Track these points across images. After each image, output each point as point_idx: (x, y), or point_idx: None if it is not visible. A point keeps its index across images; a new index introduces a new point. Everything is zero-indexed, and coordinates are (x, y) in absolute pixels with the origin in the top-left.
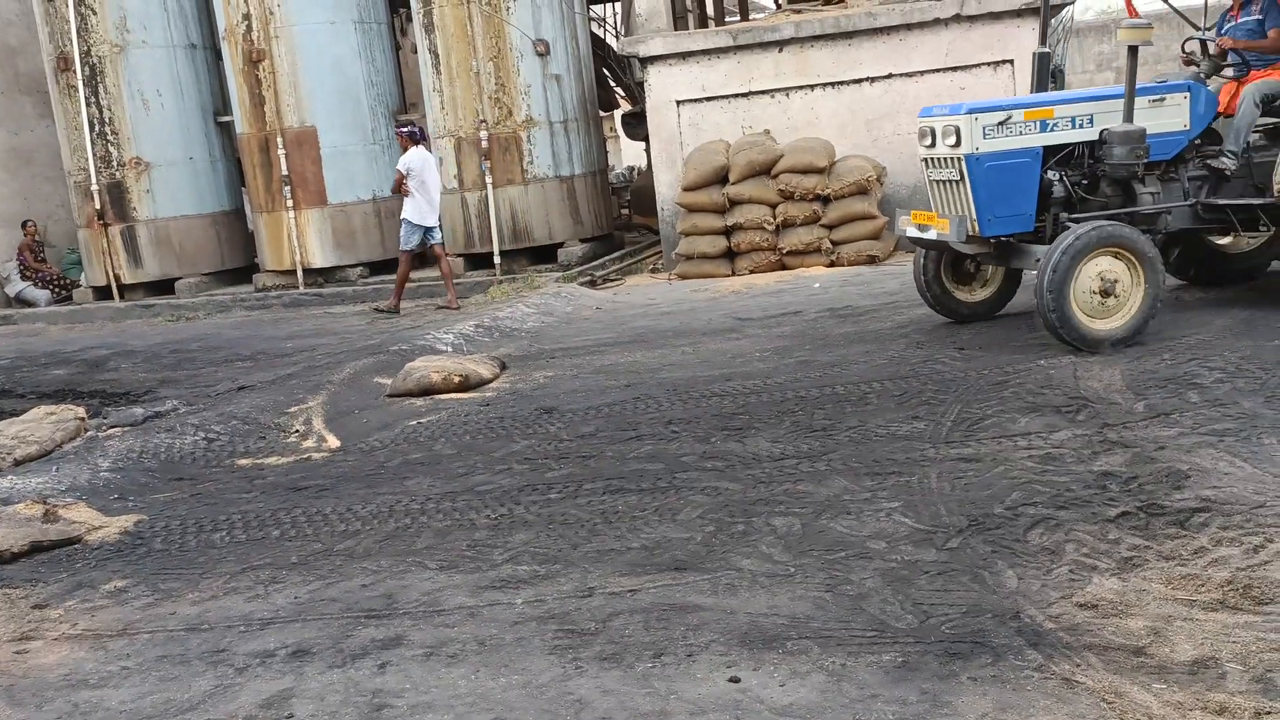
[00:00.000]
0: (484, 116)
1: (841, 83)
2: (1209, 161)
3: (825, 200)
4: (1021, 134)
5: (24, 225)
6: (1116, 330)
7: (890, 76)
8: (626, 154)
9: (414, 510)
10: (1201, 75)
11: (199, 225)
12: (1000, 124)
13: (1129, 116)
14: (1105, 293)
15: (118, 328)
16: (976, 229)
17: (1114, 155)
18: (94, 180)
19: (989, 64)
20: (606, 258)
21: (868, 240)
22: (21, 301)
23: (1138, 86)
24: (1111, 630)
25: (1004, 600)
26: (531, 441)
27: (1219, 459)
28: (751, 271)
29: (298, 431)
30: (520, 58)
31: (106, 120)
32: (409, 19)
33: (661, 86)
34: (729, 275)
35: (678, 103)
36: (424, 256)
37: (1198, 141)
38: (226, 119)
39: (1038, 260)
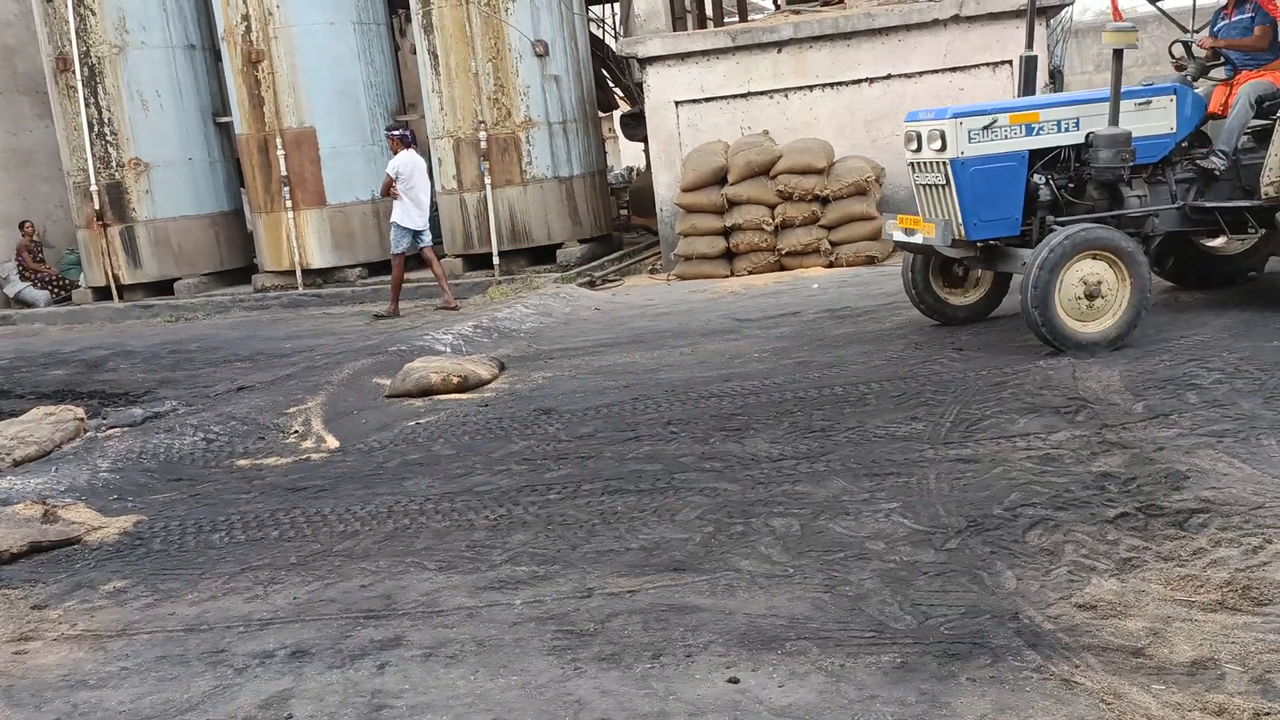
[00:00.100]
0: (483, 117)
1: (840, 83)
2: (1199, 162)
3: (824, 201)
4: (1007, 138)
5: (21, 226)
6: (1103, 333)
7: (889, 77)
8: (625, 155)
9: (413, 511)
10: (1189, 78)
11: (198, 226)
12: (985, 128)
13: (1114, 120)
14: (1090, 296)
15: (117, 328)
16: (962, 233)
17: (1100, 158)
18: (93, 181)
19: (988, 65)
20: (605, 258)
21: (866, 241)
22: (20, 302)
23: (1124, 89)
24: (1110, 631)
25: (1003, 601)
26: (530, 442)
27: (1218, 460)
28: (750, 272)
29: (296, 432)
30: (519, 58)
31: (105, 121)
32: (408, 20)
33: (660, 87)
34: (728, 276)
35: (676, 103)
36: (419, 258)
37: (1185, 144)
38: (225, 120)
39: (1024, 264)
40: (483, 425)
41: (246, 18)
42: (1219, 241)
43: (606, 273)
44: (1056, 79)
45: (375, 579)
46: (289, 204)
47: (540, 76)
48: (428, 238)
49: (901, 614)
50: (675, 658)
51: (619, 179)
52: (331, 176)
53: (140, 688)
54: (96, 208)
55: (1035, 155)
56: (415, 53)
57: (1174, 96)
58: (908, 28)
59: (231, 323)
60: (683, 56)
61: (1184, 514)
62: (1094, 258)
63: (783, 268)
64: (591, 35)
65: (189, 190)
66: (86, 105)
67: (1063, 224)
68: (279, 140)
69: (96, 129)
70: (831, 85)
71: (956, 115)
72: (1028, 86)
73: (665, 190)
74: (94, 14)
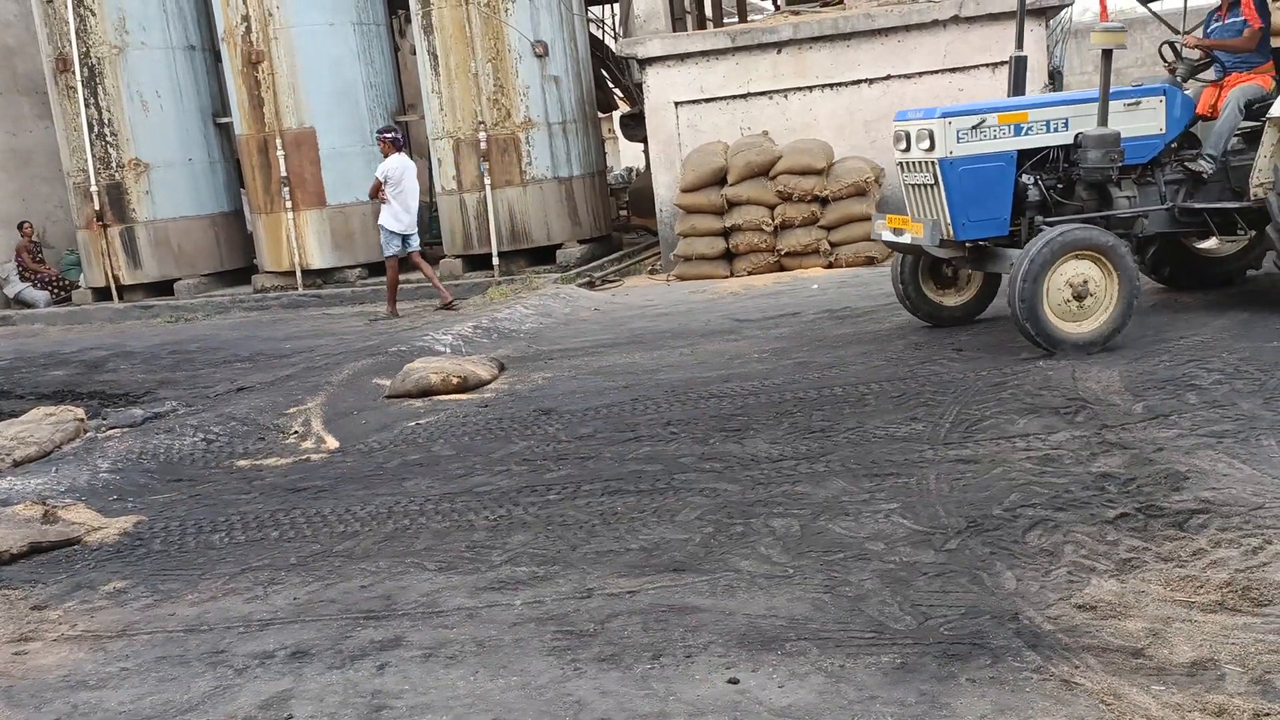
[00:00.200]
0: (482, 118)
1: (840, 84)
2: (1187, 164)
3: (823, 201)
4: (995, 138)
5: (20, 226)
6: (1090, 333)
7: (889, 78)
8: (625, 155)
9: (413, 511)
10: (1179, 79)
11: (198, 226)
12: (974, 128)
13: (1103, 120)
14: (1079, 296)
15: (116, 329)
16: (951, 233)
17: (1088, 159)
18: (93, 181)
19: (987, 65)
20: (605, 259)
21: (866, 241)
22: (20, 302)
23: (1113, 90)
24: (1110, 632)
25: (1002, 602)
26: (530, 443)
27: (1218, 460)
28: (750, 273)
29: (296, 433)
30: (519, 59)
31: (105, 121)
32: (408, 20)
33: (660, 88)
34: (727, 276)
35: (676, 104)
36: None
37: (1174, 145)
38: (225, 120)
39: (1012, 264)
40: (482, 426)
41: (246, 18)
42: (1210, 243)
43: (606, 273)
44: (1056, 79)
45: (375, 579)
46: (289, 204)
47: (540, 77)
48: (415, 242)
49: (901, 614)
50: (675, 658)
51: (619, 179)
52: (331, 177)
53: (140, 688)
54: (96, 208)
55: (1024, 155)
56: (415, 53)
57: (1163, 98)
58: (907, 28)
59: (231, 323)
60: (682, 57)
61: (1184, 515)
62: (1082, 258)
63: (782, 268)
64: (591, 36)
65: (189, 191)
66: (86, 106)
67: (1051, 224)
68: (279, 141)
69: (96, 129)
70: (831, 86)
71: (945, 115)
72: (1017, 87)
73: (665, 191)
74: (94, 14)
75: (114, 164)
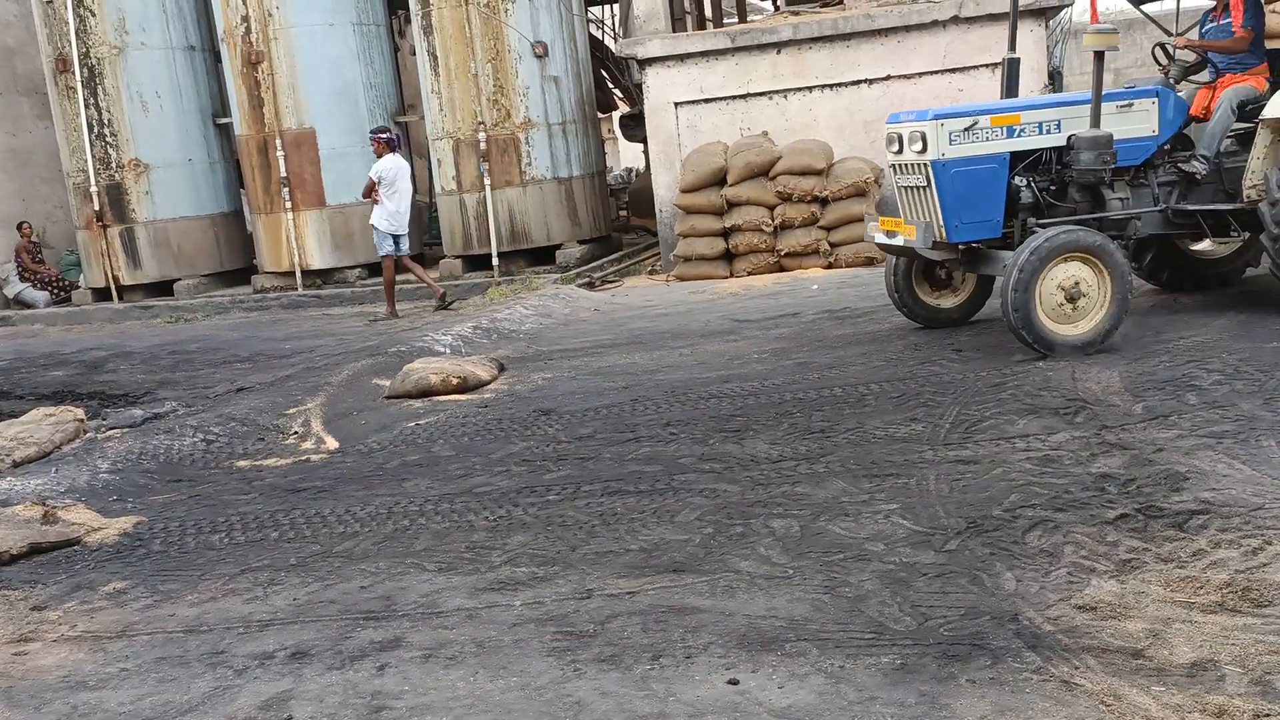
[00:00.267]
0: (482, 118)
1: (839, 84)
2: (1180, 165)
3: (823, 202)
4: (988, 140)
5: (19, 227)
6: (1083, 335)
7: (888, 78)
8: (625, 155)
9: (412, 512)
10: (1171, 80)
11: (198, 227)
12: (966, 130)
13: (1096, 122)
14: (1071, 298)
15: (116, 329)
16: (943, 235)
17: (1081, 160)
18: (93, 182)
19: (987, 66)
20: (605, 259)
21: (866, 242)
22: (20, 303)
23: (1106, 92)
24: (1110, 632)
25: (1002, 602)
26: (530, 443)
27: (1217, 461)
28: (749, 273)
29: (296, 433)
30: (519, 59)
31: (105, 122)
32: (407, 21)
33: (660, 88)
34: (727, 277)
35: (676, 104)
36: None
37: (1167, 147)
38: (225, 121)
39: (1005, 267)
40: (482, 426)
41: (246, 19)
42: (1204, 245)
43: (606, 274)
44: (1056, 80)
45: (375, 580)
46: (288, 205)
47: (540, 77)
48: (405, 244)
49: (901, 615)
50: (675, 659)
51: (618, 180)
52: (331, 177)
53: (140, 689)
54: (96, 209)
55: (1017, 157)
56: (415, 54)
57: (1156, 99)
58: (907, 29)
59: (231, 324)
60: (682, 57)
61: (1184, 515)
62: (1074, 260)
63: (782, 269)
64: (591, 36)
65: (189, 191)
66: (86, 106)
67: (1044, 226)
68: (279, 141)
69: (96, 130)
70: (831, 86)
71: (937, 117)
72: (1010, 88)
73: (664, 191)
74: (94, 15)
75: (114, 164)
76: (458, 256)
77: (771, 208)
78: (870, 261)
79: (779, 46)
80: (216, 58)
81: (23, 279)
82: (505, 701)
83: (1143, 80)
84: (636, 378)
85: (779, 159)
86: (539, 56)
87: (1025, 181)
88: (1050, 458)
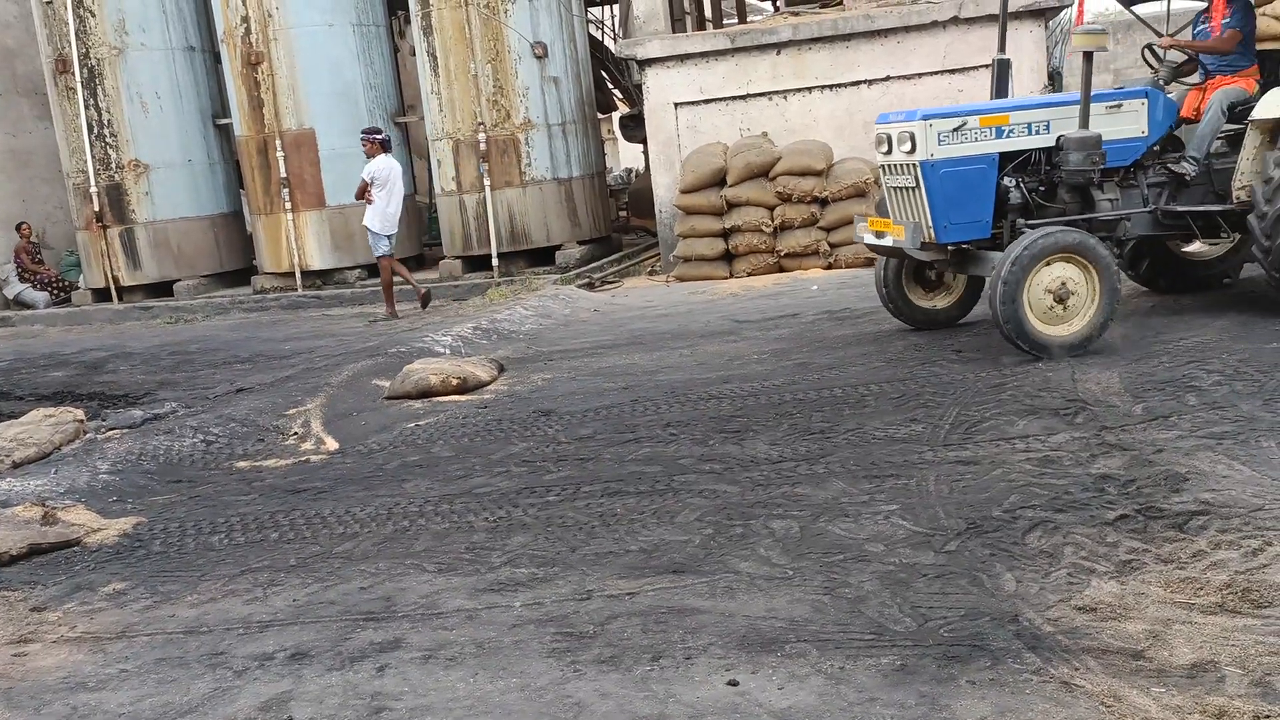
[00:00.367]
0: (482, 119)
1: (839, 85)
2: (1170, 166)
3: (823, 202)
4: (977, 140)
5: (19, 228)
6: (1072, 336)
7: (888, 79)
8: (624, 156)
9: (412, 513)
10: (1160, 81)
11: (197, 227)
12: (955, 130)
13: (1085, 123)
14: (1060, 299)
15: (116, 330)
16: (932, 236)
17: (1070, 161)
18: (93, 182)
19: (987, 66)
20: (604, 260)
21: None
22: (20, 303)
23: (1095, 93)
24: (1110, 633)
25: (1002, 603)
26: (529, 444)
27: (1217, 462)
28: (749, 274)
29: (296, 434)
30: (518, 60)
31: (105, 122)
32: (407, 21)
33: (659, 89)
34: (727, 277)
35: (676, 105)
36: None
37: (1157, 148)
38: (225, 121)
39: (994, 268)
40: (482, 427)
41: (246, 19)
42: (1196, 246)
43: (606, 274)
44: (1056, 80)
45: (375, 581)
46: (288, 206)
47: (539, 78)
48: (391, 245)
49: (901, 616)
50: (675, 660)
51: (618, 180)
52: (331, 178)
53: (140, 690)
54: (96, 209)
55: (1006, 158)
56: (414, 54)
57: (1145, 100)
58: (907, 29)
59: (231, 324)
60: (682, 58)
61: (1184, 516)
62: (1063, 261)
63: (782, 269)
64: (591, 37)
65: (188, 192)
66: (86, 107)
67: (1033, 227)
68: (278, 142)
69: (96, 130)
70: (830, 87)
71: (926, 117)
72: (1000, 89)
73: (664, 192)
74: (93, 16)
75: (114, 165)
76: (457, 257)
77: (771, 208)
78: (870, 262)
79: (779, 47)
80: (216, 58)
81: (22, 279)
82: (505, 703)
83: (1142, 80)
84: (636, 378)
85: (779, 160)
86: (539, 57)
87: (1014, 182)
88: (1050, 458)
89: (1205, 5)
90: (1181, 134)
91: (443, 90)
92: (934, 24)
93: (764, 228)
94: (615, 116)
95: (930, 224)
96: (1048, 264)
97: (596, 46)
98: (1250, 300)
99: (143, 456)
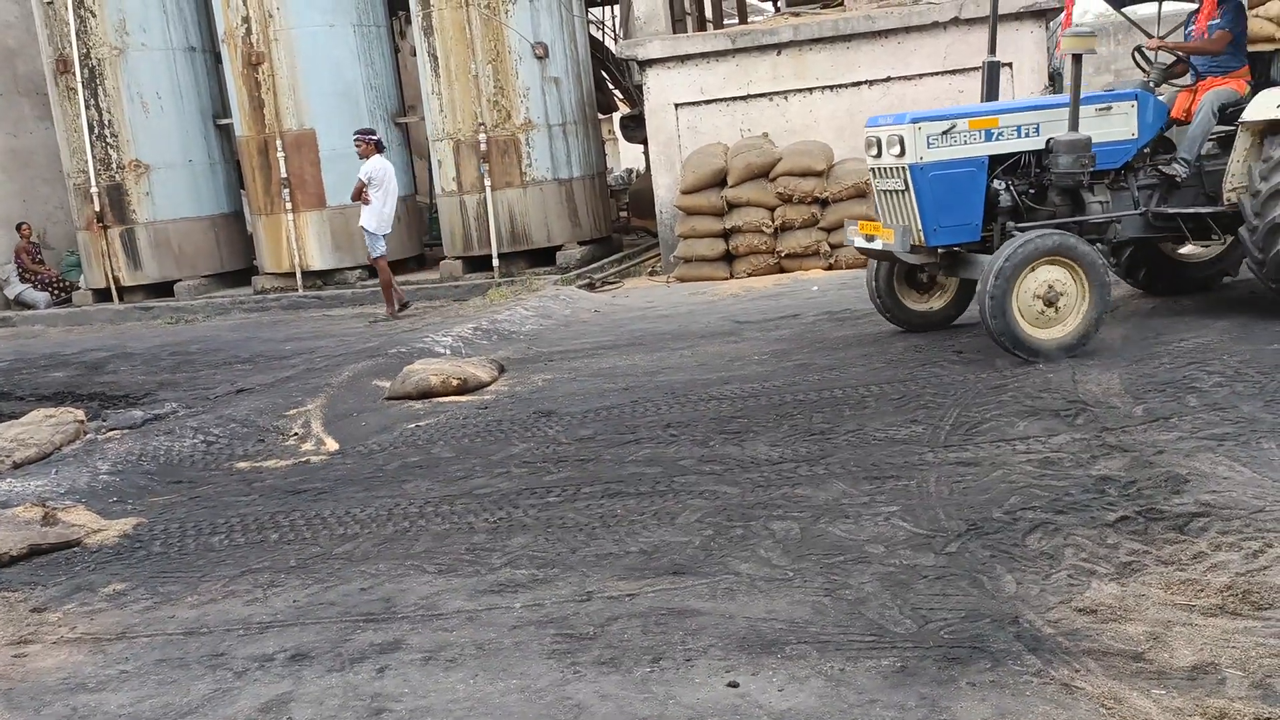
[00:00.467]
0: (483, 119)
1: (840, 86)
2: (1161, 167)
3: (823, 203)
4: (966, 143)
5: (19, 228)
6: (1061, 339)
7: (889, 80)
8: (625, 156)
9: (412, 514)
10: (1151, 83)
11: (198, 228)
12: (944, 133)
13: (1074, 125)
14: (1049, 303)
15: (117, 330)
16: (922, 239)
17: (1060, 164)
18: (93, 183)
19: None
20: (605, 260)
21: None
22: (21, 304)
23: (1085, 95)
24: (1110, 635)
25: (1002, 605)
26: (530, 445)
27: (1218, 463)
28: (750, 274)
29: (296, 434)
30: (519, 60)
31: (106, 123)
32: (408, 22)
33: (660, 89)
34: (727, 278)
35: (676, 105)
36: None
37: (1148, 150)
38: (226, 121)
39: (982, 273)
40: (482, 428)
41: (247, 20)
42: (1188, 248)
43: (606, 275)
44: (1056, 81)
45: (375, 582)
46: (289, 206)
47: (540, 78)
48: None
49: (901, 618)
50: (675, 661)
51: (619, 181)
52: (331, 178)
53: (140, 691)
54: (97, 209)
55: (995, 161)
56: (415, 55)
57: (1135, 102)
58: (907, 30)
59: (231, 325)
60: (682, 59)
61: (1184, 518)
62: (1048, 264)
63: (782, 270)
64: (591, 37)
65: (189, 192)
66: (87, 107)
67: (1022, 230)
68: (279, 142)
69: (97, 131)
70: (831, 88)
71: (915, 120)
72: (990, 92)
73: (665, 192)
74: (94, 16)
75: (114, 165)
76: (458, 257)
77: (772, 209)
78: None
79: (779, 48)
80: (217, 58)
81: (23, 280)
82: (505, 704)
83: (1117, 83)
84: (637, 379)
85: (779, 160)
86: (539, 58)
87: (1004, 185)
88: (1051, 460)
89: (1196, 6)
90: (1172, 135)
91: (443, 90)
92: (935, 25)
93: (764, 228)
94: (616, 117)
95: (920, 227)
96: (1032, 270)
97: (597, 47)
98: (1251, 301)
99: (143, 457)
